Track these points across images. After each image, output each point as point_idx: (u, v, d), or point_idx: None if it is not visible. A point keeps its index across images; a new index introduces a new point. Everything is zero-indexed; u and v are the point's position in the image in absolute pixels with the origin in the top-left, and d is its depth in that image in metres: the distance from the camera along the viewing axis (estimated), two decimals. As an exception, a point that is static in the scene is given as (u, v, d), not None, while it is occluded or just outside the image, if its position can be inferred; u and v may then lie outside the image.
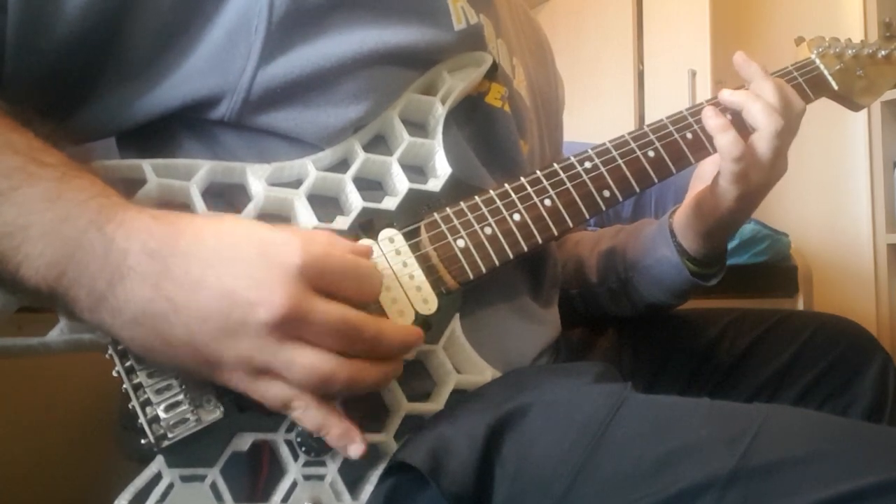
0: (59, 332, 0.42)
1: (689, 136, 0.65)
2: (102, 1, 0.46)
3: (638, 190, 0.61)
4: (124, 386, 0.42)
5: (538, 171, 0.58)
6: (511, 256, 0.54)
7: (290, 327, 0.39)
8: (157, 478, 0.41)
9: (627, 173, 0.61)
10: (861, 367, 0.70)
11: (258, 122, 0.51)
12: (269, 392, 0.40)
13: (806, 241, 1.81)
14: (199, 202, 0.47)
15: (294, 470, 0.44)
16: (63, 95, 0.48)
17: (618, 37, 2.22)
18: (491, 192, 0.55)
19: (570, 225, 0.57)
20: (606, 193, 0.59)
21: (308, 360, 0.39)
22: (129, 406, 0.42)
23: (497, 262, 0.53)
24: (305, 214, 0.49)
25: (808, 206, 1.91)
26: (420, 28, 0.55)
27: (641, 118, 2.14)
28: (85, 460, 0.72)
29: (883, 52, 0.82)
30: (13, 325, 0.42)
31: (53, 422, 0.75)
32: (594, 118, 2.15)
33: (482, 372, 0.52)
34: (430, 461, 0.44)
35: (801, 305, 1.52)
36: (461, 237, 0.53)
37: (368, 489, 0.46)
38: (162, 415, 0.42)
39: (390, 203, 0.52)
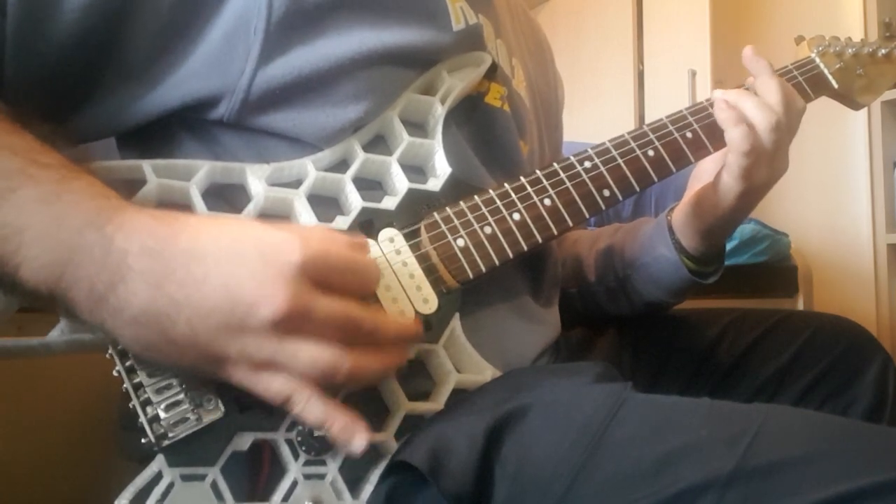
0: (59, 333, 0.42)
1: (688, 135, 0.65)
2: (102, 3, 0.46)
3: (638, 189, 0.61)
4: (125, 385, 0.42)
5: (538, 171, 0.58)
6: (511, 256, 0.54)
7: (293, 323, 0.39)
8: (158, 477, 0.41)
9: (627, 172, 0.61)
10: (861, 367, 0.70)
11: (258, 122, 0.51)
12: (273, 386, 0.40)
13: (806, 241, 1.81)
14: (198, 202, 0.47)
15: (294, 469, 0.44)
16: (63, 97, 0.48)
17: (618, 37, 2.22)
18: (490, 191, 0.55)
19: (570, 224, 0.57)
20: (606, 193, 0.59)
21: (311, 352, 0.40)
22: (130, 405, 0.42)
23: (497, 262, 0.53)
24: (305, 214, 0.49)
25: (808, 206, 1.91)
26: (419, 28, 0.55)
27: (641, 118, 2.14)
28: (85, 460, 0.72)
29: (883, 51, 0.82)
30: (14, 325, 0.42)
31: (54, 422, 0.75)
32: (594, 118, 2.15)
33: (482, 371, 0.52)
34: (430, 461, 0.44)
35: (801, 305, 1.52)
36: (461, 237, 0.53)
37: (368, 489, 0.46)
38: (162, 414, 0.42)
39: (390, 203, 0.52)
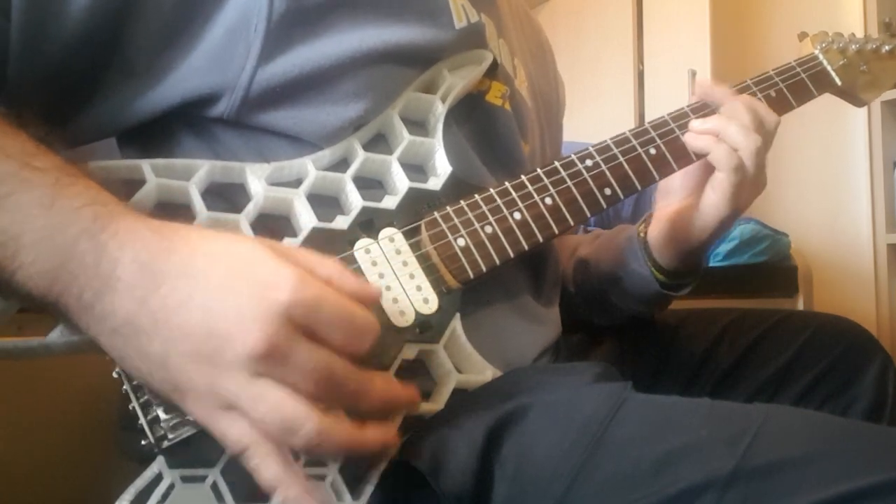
0: (59, 334, 0.42)
1: (690, 133, 0.64)
2: (107, 2, 0.46)
3: (639, 187, 0.61)
4: (125, 387, 0.42)
5: (539, 170, 0.58)
6: (512, 255, 0.54)
7: (266, 365, 0.37)
8: (158, 478, 0.41)
9: (629, 171, 0.61)
10: (861, 368, 0.70)
11: (258, 120, 0.51)
12: (231, 430, 0.38)
13: (806, 241, 1.81)
14: (198, 202, 0.47)
15: (294, 470, 0.44)
16: (67, 96, 0.49)
17: (618, 37, 2.22)
18: (491, 190, 0.55)
19: (571, 223, 0.57)
20: (608, 191, 0.59)
21: (276, 397, 0.37)
22: (130, 407, 0.42)
23: (498, 261, 0.53)
24: (305, 214, 0.49)
25: (808, 206, 1.91)
26: (420, 26, 0.55)
27: (641, 118, 2.14)
28: (85, 461, 0.72)
29: (887, 47, 0.82)
30: (14, 325, 0.42)
31: (54, 422, 0.75)
32: (594, 118, 2.15)
33: (482, 371, 0.52)
34: (429, 461, 0.44)
35: (801, 305, 1.52)
36: (461, 236, 0.53)
37: (369, 489, 0.46)
38: (162, 416, 0.42)
39: (390, 202, 0.52)
